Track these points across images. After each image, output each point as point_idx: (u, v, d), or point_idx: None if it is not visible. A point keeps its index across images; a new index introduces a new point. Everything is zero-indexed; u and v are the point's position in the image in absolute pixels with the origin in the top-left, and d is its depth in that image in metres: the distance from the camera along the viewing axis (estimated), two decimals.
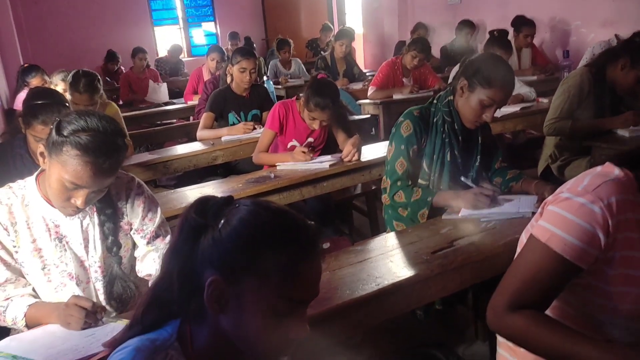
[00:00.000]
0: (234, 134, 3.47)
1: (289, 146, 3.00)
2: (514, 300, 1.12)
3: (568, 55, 4.37)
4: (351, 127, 3.11)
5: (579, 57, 4.78)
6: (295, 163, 2.77)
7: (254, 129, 3.45)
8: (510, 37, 4.98)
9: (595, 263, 1.11)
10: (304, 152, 2.77)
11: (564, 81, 3.03)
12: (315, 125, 2.86)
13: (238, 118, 3.64)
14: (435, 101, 2.17)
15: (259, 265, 0.82)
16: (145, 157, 3.28)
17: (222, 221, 0.85)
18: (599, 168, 1.16)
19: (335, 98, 2.83)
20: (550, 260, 1.10)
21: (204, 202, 0.89)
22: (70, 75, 3.12)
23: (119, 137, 1.42)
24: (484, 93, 1.97)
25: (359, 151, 2.80)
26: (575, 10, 5.57)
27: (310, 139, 3.02)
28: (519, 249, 1.26)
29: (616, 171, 1.12)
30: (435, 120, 2.13)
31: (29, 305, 1.45)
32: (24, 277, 1.53)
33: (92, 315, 1.37)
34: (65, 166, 1.36)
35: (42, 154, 1.43)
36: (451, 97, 2.10)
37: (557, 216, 1.11)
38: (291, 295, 0.84)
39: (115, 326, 1.37)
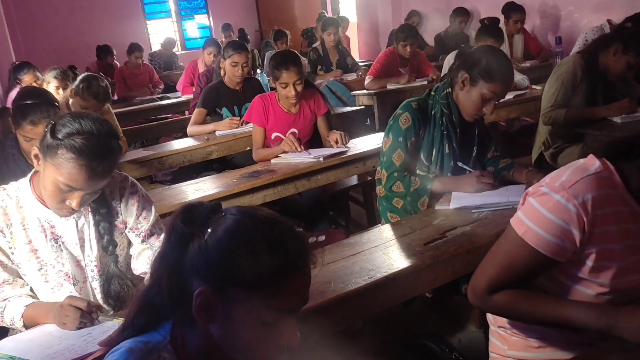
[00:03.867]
0: (221, 129, 3.46)
1: (273, 137, 2.99)
2: (492, 285, 1.19)
3: (560, 41, 4.34)
4: (334, 121, 3.14)
5: (571, 43, 4.76)
6: (290, 156, 2.77)
7: (244, 123, 3.39)
8: (502, 24, 4.97)
9: (574, 254, 1.14)
10: (291, 141, 2.78)
11: (557, 68, 3.01)
12: (291, 94, 2.81)
13: (232, 112, 3.63)
14: (433, 93, 2.16)
15: (245, 277, 0.82)
16: (140, 153, 3.28)
17: (209, 231, 0.84)
18: (581, 161, 1.18)
19: (296, 59, 2.83)
20: (526, 253, 1.15)
21: (190, 210, 0.87)
22: (83, 80, 3.04)
23: (113, 139, 1.42)
24: (486, 87, 1.96)
25: (346, 137, 2.86)
26: None
27: (294, 130, 2.99)
28: None
29: (596, 164, 1.13)
30: (433, 112, 2.12)
31: (26, 306, 1.46)
32: (22, 278, 1.54)
33: (87, 315, 1.38)
34: (60, 169, 1.36)
35: (36, 156, 1.44)
36: (449, 90, 2.10)
37: (534, 211, 1.14)
38: (280, 305, 0.83)
39: (112, 325, 1.38)
